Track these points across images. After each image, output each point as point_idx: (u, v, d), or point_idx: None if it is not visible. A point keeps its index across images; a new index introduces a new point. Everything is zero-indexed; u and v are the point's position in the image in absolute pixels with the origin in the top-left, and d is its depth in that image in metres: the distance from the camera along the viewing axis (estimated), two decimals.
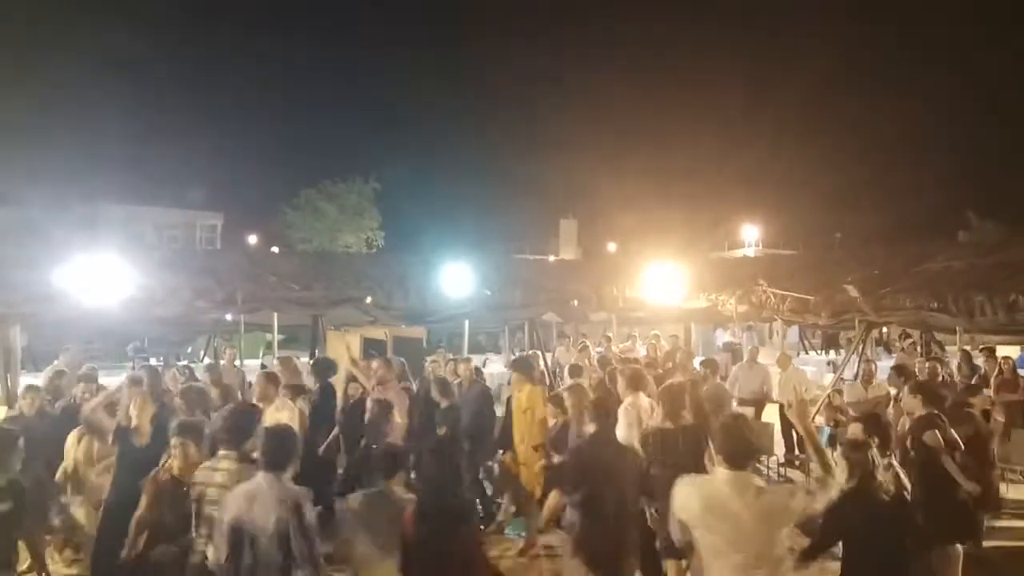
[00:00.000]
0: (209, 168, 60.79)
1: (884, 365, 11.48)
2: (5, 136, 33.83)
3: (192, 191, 45.87)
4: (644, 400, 6.34)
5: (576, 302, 14.09)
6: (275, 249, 33.73)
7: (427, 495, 4.11)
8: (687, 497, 3.66)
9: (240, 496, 3.88)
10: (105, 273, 9.62)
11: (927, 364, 10.13)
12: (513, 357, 9.24)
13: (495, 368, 15.25)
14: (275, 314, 12.68)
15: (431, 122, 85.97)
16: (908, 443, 6.03)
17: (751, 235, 46.59)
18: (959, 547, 5.89)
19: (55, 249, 10.31)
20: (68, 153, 49.71)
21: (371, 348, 11.26)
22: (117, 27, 59.22)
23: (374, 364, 8.10)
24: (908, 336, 16.52)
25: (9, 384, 9.43)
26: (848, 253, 16.45)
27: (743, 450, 3.67)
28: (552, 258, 40.04)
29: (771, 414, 11.00)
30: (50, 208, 27.75)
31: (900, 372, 8.96)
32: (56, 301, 9.58)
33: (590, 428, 5.22)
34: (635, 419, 6.08)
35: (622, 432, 5.95)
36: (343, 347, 9.16)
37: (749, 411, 10.22)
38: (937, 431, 5.88)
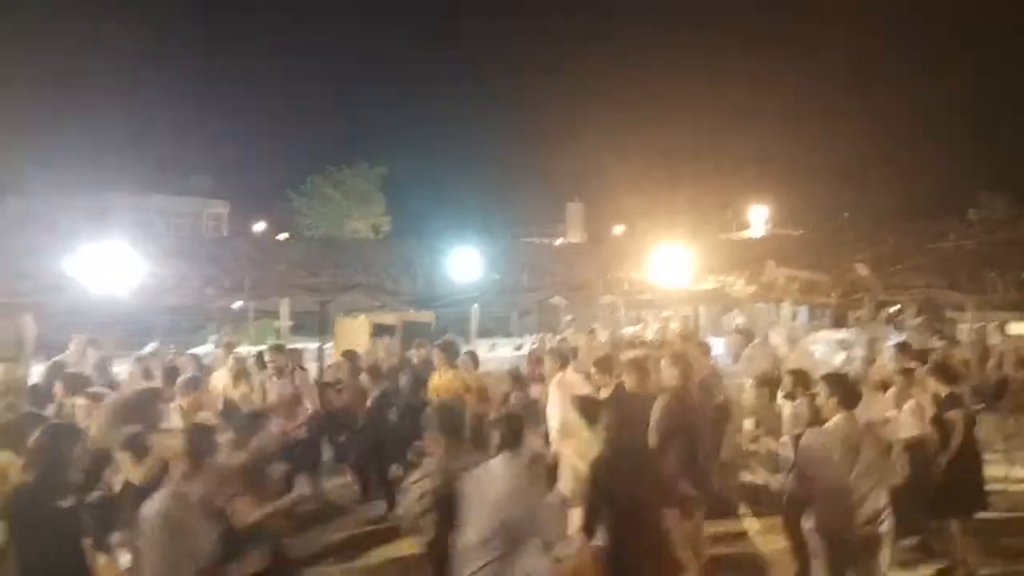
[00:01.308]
0: (215, 155, 60.87)
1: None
2: (12, 126, 33.91)
3: (198, 179, 45.89)
4: (571, 375, 6.83)
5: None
6: (282, 236, 33.78)
7: (613, 447, 4.26)
8: (825, 443, 4.14)
9: (480, 479, 3.91)
10: (114, 262, 9.64)
11: (940, 344, 10.04)
12: (438, 341, 8.85)
13: (504, 352, 15.26)
14: (284, 300, 12.72)
15: (437, 107, 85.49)
16: (931, 420, 6.05)
17: (759, 215, 46.23)
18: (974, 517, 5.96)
19: (64, 238, 10.33)
20: (75, 142, 49.86)
21: (381, 332, 11.32)
22: (123, 15, 59.14)
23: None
24: (923, 313, 16.38)
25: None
26: (857, 232, 16.36)
27: (854, 393, 4.26)
28: (559, 241, 39.95)
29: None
30: (58, 197, 27.78)
31: (903, 349, 8.85)
32: (66, 290, 9.62)
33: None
34: (567, 393, 6.47)
35: (556, 406, 6.33)
36: (353, 332, 9.18)
37: (764, 391, 10.15)
38: (961, 409, 5.91)
